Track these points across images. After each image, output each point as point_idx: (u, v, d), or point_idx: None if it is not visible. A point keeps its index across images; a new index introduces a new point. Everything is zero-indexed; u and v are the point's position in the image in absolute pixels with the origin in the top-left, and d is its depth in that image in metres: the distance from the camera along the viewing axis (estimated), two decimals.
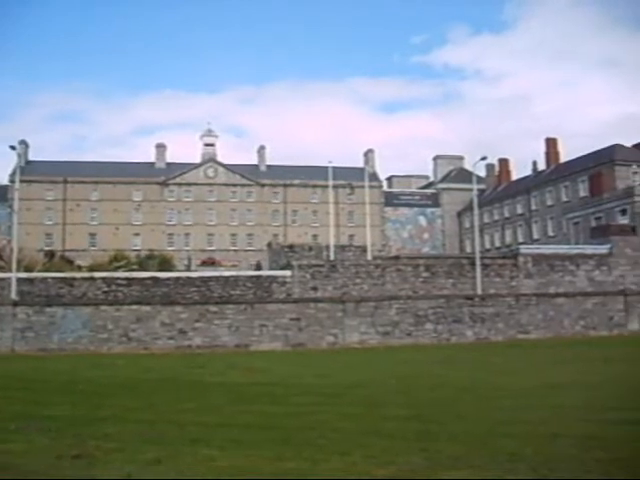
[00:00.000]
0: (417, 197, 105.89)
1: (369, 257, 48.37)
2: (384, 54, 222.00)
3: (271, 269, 49.99)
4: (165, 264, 58.86)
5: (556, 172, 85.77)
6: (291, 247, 51.09)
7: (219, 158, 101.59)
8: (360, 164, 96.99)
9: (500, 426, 11.73)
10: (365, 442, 10.51)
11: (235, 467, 9.18)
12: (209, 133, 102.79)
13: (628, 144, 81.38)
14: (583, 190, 74.06)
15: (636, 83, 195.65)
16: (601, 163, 74.61)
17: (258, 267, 66.24)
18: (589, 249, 50.76)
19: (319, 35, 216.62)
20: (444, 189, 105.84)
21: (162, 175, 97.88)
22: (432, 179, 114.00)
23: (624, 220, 53.87)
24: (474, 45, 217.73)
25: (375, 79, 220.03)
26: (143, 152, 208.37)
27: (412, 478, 8.38)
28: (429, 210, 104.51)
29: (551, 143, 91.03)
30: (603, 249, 50.26)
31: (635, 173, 73.53)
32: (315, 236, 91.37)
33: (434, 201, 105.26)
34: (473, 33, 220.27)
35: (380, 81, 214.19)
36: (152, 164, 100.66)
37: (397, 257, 49.38)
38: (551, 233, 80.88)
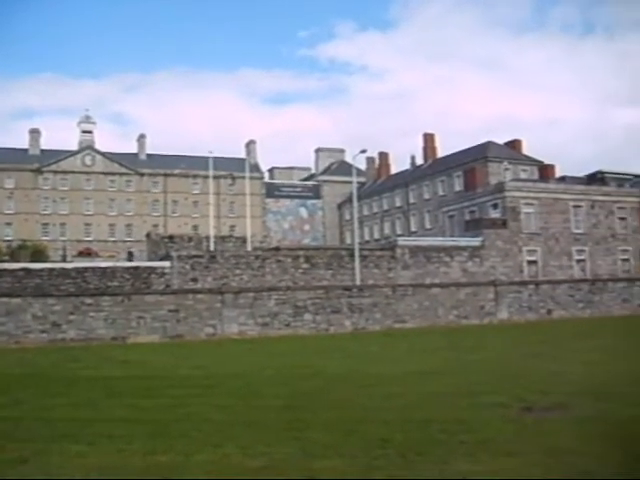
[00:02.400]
0: (298, 189, 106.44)
1: (249, 248, 48.41)
2: (272, 46, 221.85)
3: (150, 260, 49.08)
4: (39, 255, 56.78)
5: (433, 167, 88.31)
6: (171, 238, 50.44)
7: (98, 146, 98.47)
8: (243, 155, 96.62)
9: (372, 413, 11.98)
10: (239, 433, 10.52)
11: (105, 463, 8.99)
12: (87, 120, 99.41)
13: (501, 142, 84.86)
14: (458, 185, 76.54)
15: (510, 85, 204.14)
16: (475, 159, 77.41)
17: (130, 257, 64.72)
18: (463, 241, 52.70)
19: (207, 25, 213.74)
20: (325, 181, 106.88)
21: (36, 162, 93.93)
22: (314, 171, 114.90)
23: (496, 214, 56.03)
24: (360, 41, 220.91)
25: (262, 71, 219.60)
26: (19, 138, 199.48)
27: (284, 468, 8.44)
28: (310, 202, 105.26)
29: (429, 138, 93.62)
30: (476, 241, 52.31)
31: (506, 169, 76.61)
32: (196, 227, 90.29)
33: (315, 193, 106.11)
34: (359, 29, 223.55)
35: (267, 73, 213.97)
36: (26, 150, 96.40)
37: (277, 248, 49.60)
38: (428, 226, 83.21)
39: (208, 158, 57.39)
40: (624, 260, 59.29)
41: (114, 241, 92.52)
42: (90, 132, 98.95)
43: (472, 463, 8.29)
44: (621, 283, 49.19)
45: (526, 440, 9.56)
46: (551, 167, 76.28)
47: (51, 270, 41.71)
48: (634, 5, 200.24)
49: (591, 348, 23.95)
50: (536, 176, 75.03)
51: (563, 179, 73.84)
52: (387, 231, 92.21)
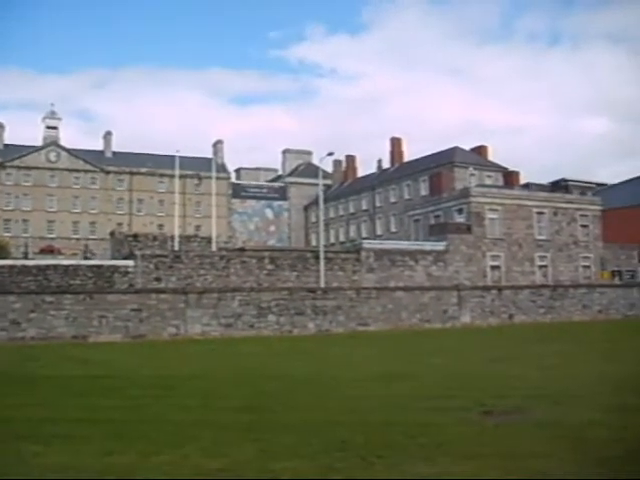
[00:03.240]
0: (265, 190, 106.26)
1: (214, 248, 48.24)
2: (241, 46, 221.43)
3: (114, 259, 48.64)
4: (0, 251, 55.96)
5: (400, 171, 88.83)
6: (135, 236, 50.04)
7: (63, 142, 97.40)
8: (210, 155, 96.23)
9: (334, 415, 12.00)
10: (199, 434, 10.46)
11: (62, 464, 8.87)
12: (52, 115, 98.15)
13: (467, 148, 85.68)
14: (424, 189, 77.10)
15: (477, 92, 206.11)
16: (441, 164, 78.06)
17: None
18: (428, 245, 53.03)
19: (176, 22, 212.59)
20: (292, 183, 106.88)
21: None
22: (280, 173, 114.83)
23: (460, 219, 56.49)
24: (331, 44, 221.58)
25: (231, 71, 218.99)
26: None
27: (244, 469, 8.42)
28: (276, 203, 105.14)
29: (396, 143, 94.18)
30: (440, 246, 52.68)
31: (472, 175, 77.40)
32: (161, 226, 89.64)
33: (282, 194, 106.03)
34: (330, 32, 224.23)
35: (236, 73, 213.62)
36: None
37: (242, 249, 49.48)
38: (393, 229, 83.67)
39: (174, 157, 57.09)
40: (585, 267, 60.15)
41: (78, 239, 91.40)
42: (55, 128, 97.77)
43: (430, 466, 8.35)
44: (582, 289, 49.87)
45: (485, 443, 9.65)
46: (516, 174, 77.28)
47: (12, 267, 41.15)
48: (599, 16, 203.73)
49: (551, 353, 24.27)
50: (501, 182, 75.95)
51: (527, 186, 74.72)
52: (353, 234, 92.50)
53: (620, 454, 8.89)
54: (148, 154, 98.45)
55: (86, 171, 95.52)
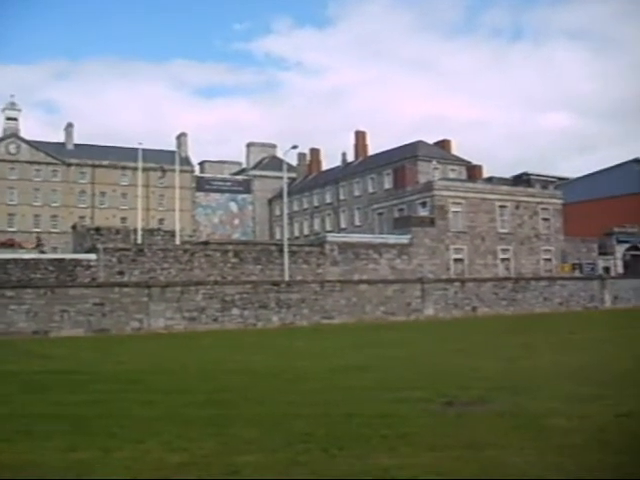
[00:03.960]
0: (229, 183, 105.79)
1: (178, 242, 47.92)
2: (206, 39, 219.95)
3: (75, 252, 48.08)
4: None
5: (364, 164, 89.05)
6: (97, 230, 49.51)
7: (24, 134, 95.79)
8: (174, 148, 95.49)
9: (297, 408, 11.99)
10: (161, 429, 10.37)
11: (22, 460, 8.74)
12: (12, 106, 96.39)
13: (431, 141, 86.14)
14: (388, 182, 77.41)
15: (441, 86, 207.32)
16: (405, 158, 78.43)
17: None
18: (392, 239, 53.32)
19: (140, 13, 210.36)
20: (256, 176, 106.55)
21: None
22: (245, 166, 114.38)
23: (424, 212, 56.89)
24: (297, 37, 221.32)
25: (196, 63, 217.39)
26: None
27: (205, 463, 8.38)
28: (240, 196, 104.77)
29: (360, 136, 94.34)
30: (404, 239, 52.99)
31: (435, 168, 77.87)
32: (124, 219, 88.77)
33: (246, 188, 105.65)
34: (296, 25, 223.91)
35: (201, 65, 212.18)
36: None
37: (206, 242, 49.26)
38: (358, 222, 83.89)
39: (137, 150, 56.52)
40: (546, 260, 61.00)
41: (39, 232, 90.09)
42: (15, 119, 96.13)
43: (393, 457, 8.38)
44: (543, 282, 50.64)
45: (446, 434, 9.72)
46: (479, 168, 77.99)
47: None
48: (560, 13, 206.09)
49: (512, 344, 24.58)
50: (464, 176, 76.57)
51: (490, 180, 75.44)
52: (317, 227, 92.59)
53: (579, 442, 9.02)
54: (111, 147, 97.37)
55: (47, 164, 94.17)
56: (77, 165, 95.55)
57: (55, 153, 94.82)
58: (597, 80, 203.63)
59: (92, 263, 41.97)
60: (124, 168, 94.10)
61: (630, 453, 8.43)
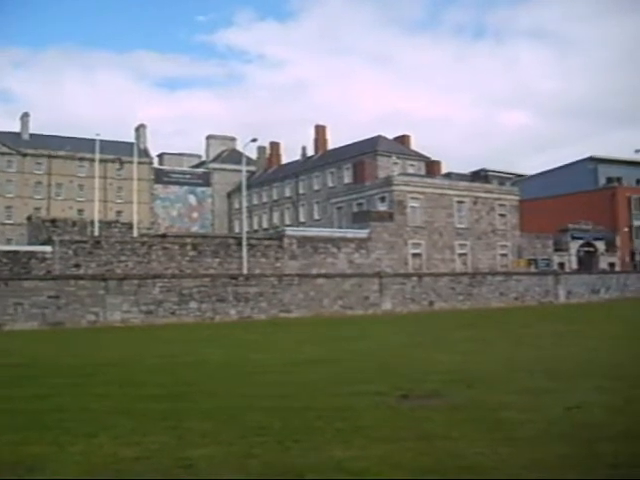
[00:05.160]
0: (188, 176, 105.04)
1: (135, 234, 47.48)
2: (168, 30, 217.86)
3: (30, 244, 47.34)
4: None
5: (323, 158, 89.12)
6: (53, 222, 48.82)
7: None
8: (132, 139, 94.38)
9: (253, 401, 11.98)
10: (115, 423, 10.29)
11: None
12: None
13: (391, 137, 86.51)
14: (347, 177, 77.59)
15: (403, 82, 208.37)
16: (365, 153, 78.68)
17: None
18: (350, 233, 53.52)
19: (102, 3, 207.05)
20: (215, 169, 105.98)
21: None
22: (204, 158, 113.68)
23: (383, 207, 57.19)
24: (259, 30, 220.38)
25: (158, 54, 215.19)
26: None
27: (159, 456, 8.34)
28: (200, 189, 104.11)
29: (320, 130, 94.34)
30: (363, 233, 53.23)
31: (395, 163, 78.38)
32: (81, 211, 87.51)
33: (205, 180, 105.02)
34: (258, 18, 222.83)
35: (163, 57, 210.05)
36: None
37: (164, 235, 48.87)
38: (317, 217, 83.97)
39: (95, 140, 55.78)
40: (503, 255, 61.82)
41: None
42: None
43: (347, 449, 8.44)
44: (499, 277, 51.28)
45: (401, 427, 9.80)
46: (437, 163, 78.61)
47: None
48: (522, 12, 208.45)
49: (468, 338, 24.88)
50: (423, 171, 77.13)
51: (448, 175, 76.23)
52: (276, 221, 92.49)
53: (530, 434, 9.19)
54: (68, 137, 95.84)
55: (2, 154, 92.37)
56: (33, 155, 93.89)
57: (10, 143, 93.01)
58: (557, 79, 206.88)
59: (47, 255, 41.36)
60: (81, 159, 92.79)
61: (578, 444, 8.60)
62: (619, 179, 77.49)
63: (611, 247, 70.09)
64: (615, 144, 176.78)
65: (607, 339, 24.20)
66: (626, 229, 71.69)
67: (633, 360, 17.60)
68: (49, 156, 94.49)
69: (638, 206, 72.55)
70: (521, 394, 12.34)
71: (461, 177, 76.81)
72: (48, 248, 41.84)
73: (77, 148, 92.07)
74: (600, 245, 69.30)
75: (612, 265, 68.95)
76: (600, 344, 22.05)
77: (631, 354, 18.93)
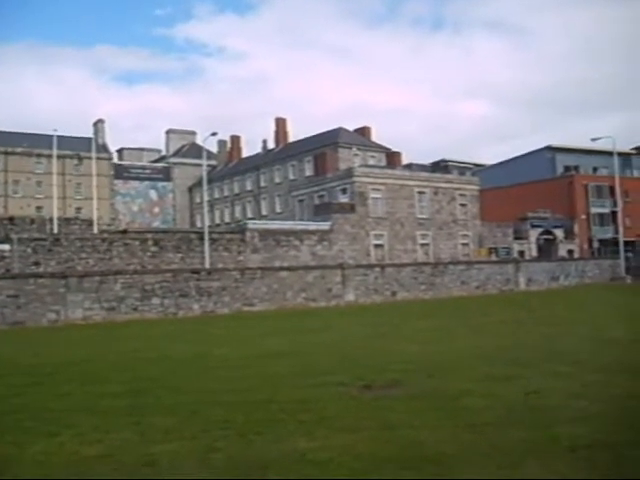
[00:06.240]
0: (148, 171, 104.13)
1: (95, 231, 47.01)
2: (126, 24, 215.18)
3: None
4: None
5: (284, 151, 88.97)
6: (11, 219, 48.10)
7: None
8: (91, 135, 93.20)
9: (214, 395, 12.00)
10: (76, 421, 10.22)
11: None
12: None
13: (352, 128, 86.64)
14: (309, 169, 77.52)
15: (363, 74, 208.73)
16: (326, 145, 78.69)
17: None
18: (312, 225, 53.57)
19: None
20: (176, 163, 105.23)
21: None
22: (164, 153, 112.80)
23: (344, 199, 57.33)
24: (218, 23, 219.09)
25: (117, 48, 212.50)
26: None
27: (122, 454, 8.32)
28: (160, 184, 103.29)
29: (280, 123, 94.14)
30: (325, 225, 53.33)
31: (356, 155, 78.57)
32: (39, 208, 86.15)
33: (166, 175, 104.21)
34: (218, 11, 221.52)
35: (120, 51, 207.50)
36: None
37: (125, 231, 48.39)
38: (279, 210, 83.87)
39: (52, 136, 55.01)
40: (464, 244, 62.41)
41: None
42: None
43: (310, 440, 8.51)
44: (460, 266, 51.76)
45: (363, 417, 9.90)
46: (398, 154, 78.83)
47: None
48: (480, 4, 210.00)
49: (429, 328, 25.13)
50: (384, 163, 77.34)
51: (409, 166, 76.69)
52: (238, 215, 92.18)
53: (490, 420, 9.35)
54: (24, 133, 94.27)
55: None
56: None
57: None
58: (514, 70, 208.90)
59: (6, 254, 40.72)
60: (39, 155, 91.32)
61: (537, 428, 8.78)
62: (576, 167, 78.60)
63: (570, 234, 71.15)
64: (572, 133, 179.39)
65: (565, 325, 24.66)
66: (584, 216, 72.80)
67: (590, 346, 17.95)
68: (6, 153, 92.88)
69: (595, 194, 73.70)
70: (481, 381, 12.53)
71: (422, 168, 77.33)
72: (6, 246, 41.20)
73: (35, 144, 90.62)
74: (559, 233, 70.31)
75: (571, 252, 69.99)
76: (559, 330, 22.44)
77: (588, 340, 19.30)
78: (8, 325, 33.03)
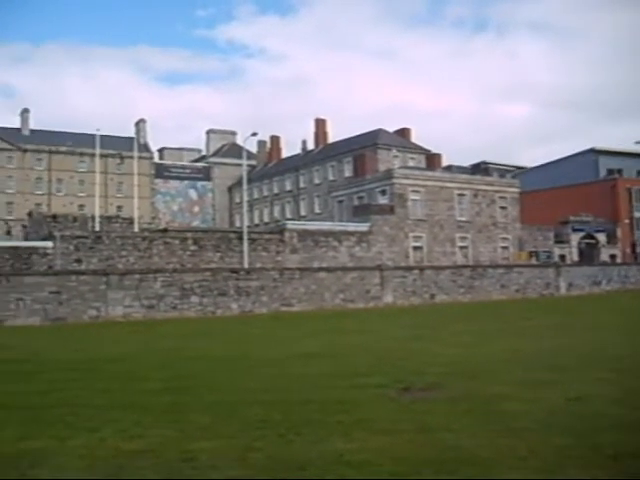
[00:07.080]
0: (188, 170, 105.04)
1: (136, 229, 47.51)
2: (168, 25, 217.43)
3: (31, 240, 47.38)
4: None
5: (324, 152, 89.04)
6: (54, 217, 48.82)
7: None
8: (133, 134, 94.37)
9: (254, 395, 12.02)
10: (117, 417, 10.33)
11: None
12: None
13: (391, 130, 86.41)
14: (348, 170, 77.48)
15: (403, 75, 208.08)
16: (365, 146, 78.59)
17: (9, 234, 61.71)
18: (351, 226, 53.49)
19: None
20: (216, 163, 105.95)
21: None
22: (204, 153, 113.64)
23: (384, 200, 57.13)
24: (260, 24, 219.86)
25: (158, 49, 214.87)
26: None
27: (161, 450, 8.39)
28: (200, 184, 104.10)
29: (320, 124, 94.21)
30: (364, 227, 53.21)
31: (395, 157, 78.31)
32: (82, 206, 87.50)
33: (205, 175, 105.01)
34: (259, 12, 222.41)
35: (163, 51, 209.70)
36: None
37: (165, 230, 48.88)
38: (318, 210, 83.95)
39: (95, 136, 55.78)
40: (503, 247, 61.78)
41: None
42: None
43: (348, 441, 8.49)
44: (500, 269, 51.24)
45: (401, 419, 9.85)
46: (438, 156, 78.52)
47: None
48: (523, 5, 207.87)
49: (469, 331, 24.91)
50: (423, 164, 77.07)
51: (449, 168, 76.20)
52: (277, 215, 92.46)
53: (529, 425, 9.24)
54: (68, 132, 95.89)
55: (2, 150, 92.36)
56: (33, 151, 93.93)
57: (10, 139, 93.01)
58: (557, 72, 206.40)
59: (49, 251, 41.38)
60: (82, 154, 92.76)
61: (577, 435, 8.65)
62: (620, 171, 77.31)
63: (612, 239, 70.00)
64: (616, 136, 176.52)
65: (607, 331, 24.25)
66: (627, 221, 71.56)
67: (633, 352, 17.64)
68: (49, 152, 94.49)
69: (639, 198, 72.43)
70: (521, 386, 12.39)
71: (461, 170, 76.71)
72: (49, 243, 41.87)
73: (77, 143, 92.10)
74: (601, 237, 69.23)
75: (613, 257, 68.89)
76: (601, 336, 22.08)
77: (632, 346, 18.96)
78: (50, 321, 33.58)
